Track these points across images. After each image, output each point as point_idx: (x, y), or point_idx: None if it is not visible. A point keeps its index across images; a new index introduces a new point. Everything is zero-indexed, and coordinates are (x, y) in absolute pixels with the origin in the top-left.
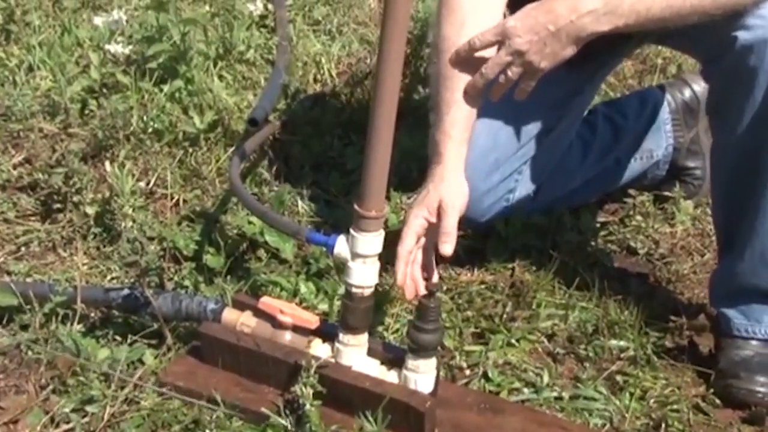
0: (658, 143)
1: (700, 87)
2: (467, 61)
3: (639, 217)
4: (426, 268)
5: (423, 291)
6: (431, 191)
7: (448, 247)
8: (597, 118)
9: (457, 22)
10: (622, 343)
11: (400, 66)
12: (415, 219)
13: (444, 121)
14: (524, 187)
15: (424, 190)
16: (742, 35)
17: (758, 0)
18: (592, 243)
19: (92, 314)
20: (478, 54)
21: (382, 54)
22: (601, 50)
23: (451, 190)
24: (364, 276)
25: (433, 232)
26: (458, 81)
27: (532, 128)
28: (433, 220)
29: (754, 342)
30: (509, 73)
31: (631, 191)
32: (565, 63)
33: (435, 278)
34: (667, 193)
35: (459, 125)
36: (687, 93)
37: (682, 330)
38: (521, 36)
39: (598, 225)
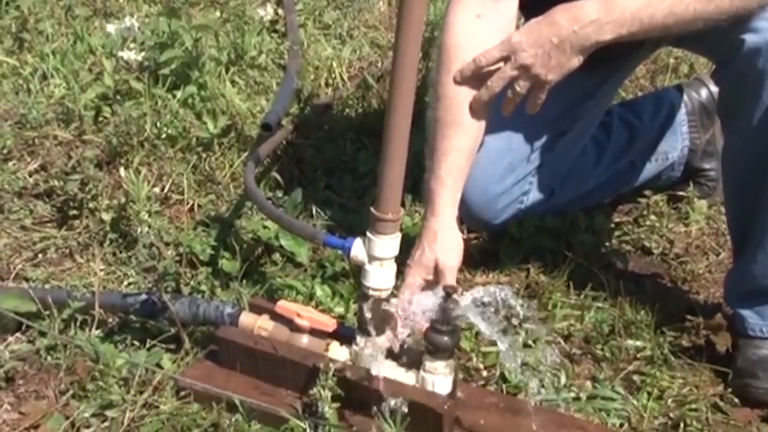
0: (674, 145)
1: (716, 87)
2: (472, 78)
3: (653, 217)
4: None
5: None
6: (427, 251)
7: None
8: (612, 120)
9: (456, 70)
10: (638, 343)
11: (414, 70)
12: (411, 279)
13: (441, 168)
14: (538, 189)
15: (419, 249)
16: (750, 38)
17: (765, 3)
18: (607, 244)
19: (110, 320)
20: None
21: (397, 58)
22: (615, 55)
23: (446, 250)
24: (381, 278)
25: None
26: (455, 128)
27: (546, 132)
28: (431, 278)
29: None
30: (517, 87)
31: (645, 191)
32: (580, 67)
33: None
34: (681, 193)
35: (454, 173)
36: (704, 94)
37: (699, 329)
38: (526, 50)
39: (612, 226)
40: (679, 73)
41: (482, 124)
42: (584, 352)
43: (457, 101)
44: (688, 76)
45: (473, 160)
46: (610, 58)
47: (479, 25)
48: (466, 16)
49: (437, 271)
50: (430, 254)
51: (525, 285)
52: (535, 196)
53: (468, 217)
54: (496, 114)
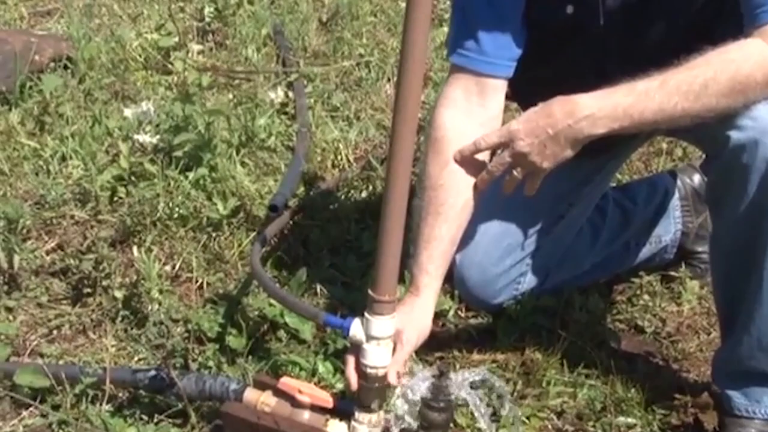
0: (667, 228)
1: None
2: (469, 160)
3: (646, 297)
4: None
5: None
6: (399, 317)
7: (391, 377)
8: (607, 204)
9: (442, 162)
10: (629, 420)
11: (410, 153)
12: None
13: (422, 255)
14: (535, 270)
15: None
16: (735, 135)
17: (749, 102)
18: (601, 322)
19: (120, 394)
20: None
21: (394, 142)
22: (612, 144)
23: (412, 326)
24: (378, 357)
25: None
26: (438, 217)
27: (544, 216)
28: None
29: (756, 421)
30: (515, 173)
31: (639, 272)
32: (578, 154)
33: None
34: (673, 273)
35: (436, 261)
36: (696, 179)
37: (687, 408)
38: (523, 139)
39: (606, 305)
40: (674, 156)
41: (466, 214)
42: (577, 428)
43: (441, 192)
44: (683, 159)
45: (465, 243)
46: (607, 147)
47: (466, 120)
48: (454, 112)
49: (396, 341)
50: (399, 322)
51: (521, 362)
52: (532, 276)
53: (467, 296)
54: (496, 199)
